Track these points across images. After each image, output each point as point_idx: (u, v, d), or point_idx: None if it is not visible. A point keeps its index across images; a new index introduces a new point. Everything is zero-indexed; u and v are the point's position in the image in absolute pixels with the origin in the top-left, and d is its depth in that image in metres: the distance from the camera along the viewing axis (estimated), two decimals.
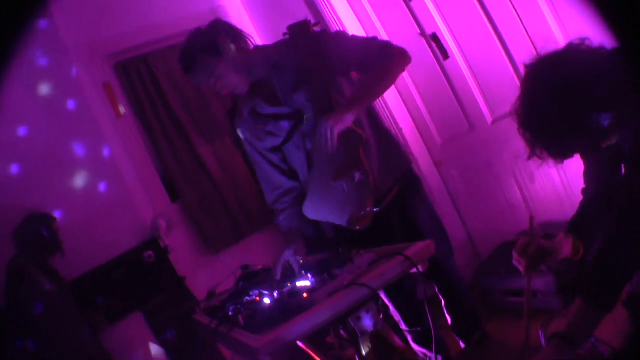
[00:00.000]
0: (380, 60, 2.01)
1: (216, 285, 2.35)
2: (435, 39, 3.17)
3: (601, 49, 1.26)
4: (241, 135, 2.24)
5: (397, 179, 2.16)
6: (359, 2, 3.44)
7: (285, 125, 2.11)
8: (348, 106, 1.92)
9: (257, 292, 2.00)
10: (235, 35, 2.07)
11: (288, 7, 3.53)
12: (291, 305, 1.68)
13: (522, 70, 2.78)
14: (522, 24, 2.74)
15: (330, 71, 2.07)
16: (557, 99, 1.24)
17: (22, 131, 3.13)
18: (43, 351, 2.61)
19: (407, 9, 3.22)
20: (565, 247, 1.60)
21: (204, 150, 3.72)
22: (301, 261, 2.12)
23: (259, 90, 2.12)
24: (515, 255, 1.63)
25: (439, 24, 3.11)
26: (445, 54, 3.16)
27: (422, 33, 3.21)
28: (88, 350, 2.69)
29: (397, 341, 1.72)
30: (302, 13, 3.42)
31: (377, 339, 1.67)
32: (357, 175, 1.84)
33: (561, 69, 1.27)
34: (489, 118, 3.14)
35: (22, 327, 2.63)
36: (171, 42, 3.66)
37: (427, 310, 2.44)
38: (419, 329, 2.28)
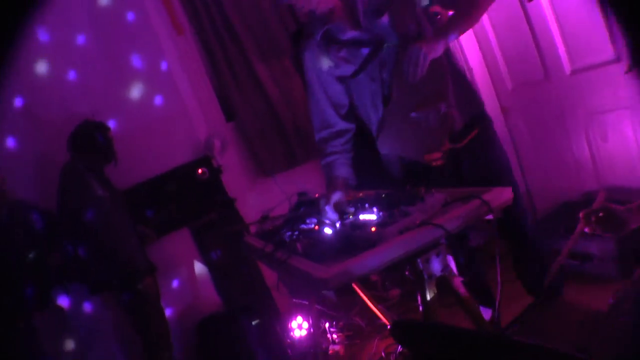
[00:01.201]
0: None
1: (270, 209, 2.31)
2: None
3: None
4: (306, 60, 2.12)
5: (472, 119, 2.06)
6: None
7: (362, 52, 1.99)
8: (440, 34, 1.82)
9: (315, 220, 1.96)
10: None
11: None
12: (357, 238, 1.62)
13: (613, 18, 2.59)
14: None
15: (416, 2, 1.94)
16: None
17: (80, 39, 3.08)
18: (92, 257, 2.66)
19: None
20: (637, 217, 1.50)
21: (262, 71, 3.61)
22: (360, 194, 2.06)
23: (338, 13, 1.97)
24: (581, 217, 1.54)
25: None
26: None
27: None
28: (135, 261, 2.72)
29: (463, 290, 1.66)
30: None
31: (443, 284, 1.60)
32: (442, 107, 1.77)
33: None
34: (567, 68, 2.93)
35: (73, 231, 2.67)
36: None
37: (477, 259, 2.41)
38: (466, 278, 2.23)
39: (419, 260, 1.54)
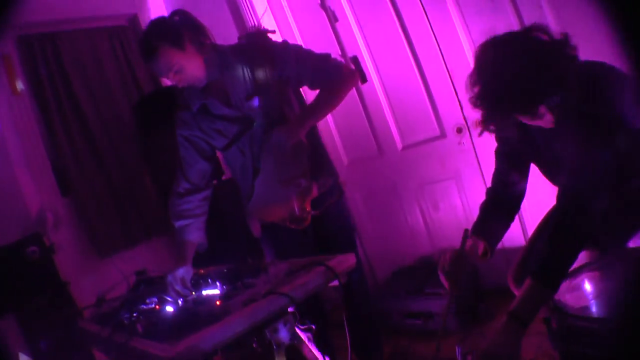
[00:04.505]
0: (333, 79, 2.11)
1: (106, 291, 2.25)
2: (355, 61, 3.23)
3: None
4: (179, 127, 2.16)
5: (329, 189, 2.20)
6: (284, 18, 3.43)
7: (234, 128, 2.11)
8: (301, 121, 2.02)
9: (155, 299, 1.90)
10: (198, 29, 2.02)
11: (213, 18, 3.41)
12: (201, 313, 1.59)
13: (437, 101, 2.94)
14: (442, 56, 2.87)
15: (284, 83, 2.11)
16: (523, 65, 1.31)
17: None
18: None
19: (331, 29, 3.26)
20: (480, 248, 1.71)
21: (103, 144, 3.46)
22: (202, 271, 2.05)
23: (212, 89, 2.09)
24: (440, 274, 1.68)
25: (360, 47, 3.18)
26: (363, 77, 3.22)
27: (344, 54, 3.25)
28: None
29: (311, 356, 1.67)
30: (227, 24, 3.37)
31: (293, 352, 1.60)
32: (302, 182, 1.95)
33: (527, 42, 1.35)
34: (399, 144, 3.23)
35: None
36: (83, 26, 3.44)
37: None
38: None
39: (266, 331, 1.53)
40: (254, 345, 1.58)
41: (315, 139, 2.26)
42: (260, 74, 2.05)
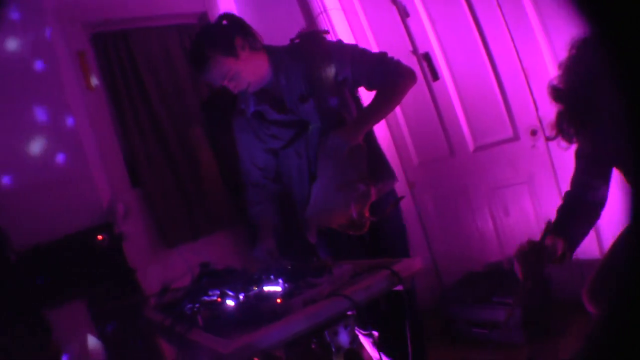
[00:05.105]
0: (391, 79, 2.00)
1: (171, 281, 2.23)
2: (427, 58, 3.13)
3: None
4: (236, 132, 2.19)
5: (386, 194, 2.14)
6: (355, 13, 3.38)
7: (289, 132, 2.07)
8: (358, 124, 1.94)
9: (217, 292, 1.89)
10: (249, 33, 1.99)
11: (282, 13, 3.42)
12: (262, 310, 1.56)
13: (511, 101, 2.80)
14: (517, 53, 2.72)
15: (340, 84, 2.04)
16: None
17: None
18: None
19: (402, 24, 3.18)
20: (559, 247, 1.58)
21: (172, 139, 3.54)
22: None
23: (266, 95, 2.06)
24: (515, 262, 1.59)
25: (432, 43, 3.08)
26: (435, 74, 3.12)
27: (415, 51, 3.16)
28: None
29: None
30: (296, 19, 3.35)
31: (351, 357, 1.55)
32: (361, 187, 1.86)
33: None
34: (471, 145, 3.10)
35: None
36: (154, 24, 3.51)
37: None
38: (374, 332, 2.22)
39: (326, 333, 1.49)
40: (313, 346, 1.54)
41: (373, 142, 2.18)
42: (315, 75, 1.99)
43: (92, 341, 2.96)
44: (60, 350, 2.74)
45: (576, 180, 1.67)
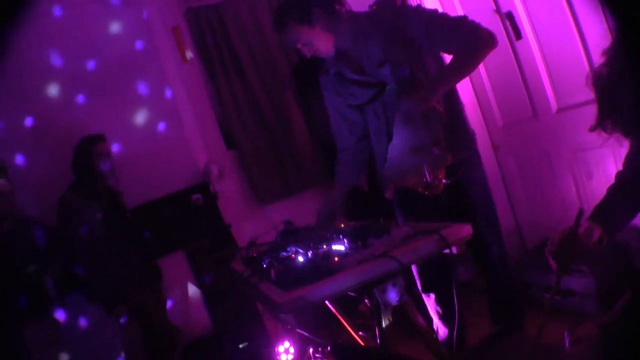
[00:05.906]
0: (469, 43, 2.00)
1: (258, 236, 2.42)
2: (510, 17, 3.04)
3: None
4: (324, 89, 2.34)
5: (465, 156, 2.17)
6: None
7: (368, 92, 2.18)
8: (432, 88, 1.97)
9: (293, 249, 2.07)
10: (330, 4, 2.09)
11: None
12: (321, 266, 1.71)
13: (596, 59, 2.66)
14: (603, 11, 2.58)
15: (417, 49, 2.08)
16: None
17: (91, 64, 3.28)
18: (91, 274, 2.79)
19: None
20: (595, 234, 1.55)
21: (264, 102, 3.76)
22: (342, 225, 2.17)
23: (347, 58, 2.18)
24: (547, 253, 1.64)
25: (515, 2, 2.98)
26: (518, 34, 3.03)
27: (498, 10, 3.08)
28: (127, 275, 2.86)
29: (419, 320, 1.73)
30: None
31: (400, 314, 1.68)
32: (435, 150, 1.91)
33: None
34: (554, 107, 3.01)
35: (67, 249, 2.82)
36: None
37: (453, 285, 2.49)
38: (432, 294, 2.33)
39: (375, 290, 1.62)
40: (366, 301, 1.69)
41: (454, 106, 2.20)
42: (392, 40, 2.05)
43: (192, 289, 3.34)
44: (166, 295, 3.12)
45: (629, 160, 1.60)
